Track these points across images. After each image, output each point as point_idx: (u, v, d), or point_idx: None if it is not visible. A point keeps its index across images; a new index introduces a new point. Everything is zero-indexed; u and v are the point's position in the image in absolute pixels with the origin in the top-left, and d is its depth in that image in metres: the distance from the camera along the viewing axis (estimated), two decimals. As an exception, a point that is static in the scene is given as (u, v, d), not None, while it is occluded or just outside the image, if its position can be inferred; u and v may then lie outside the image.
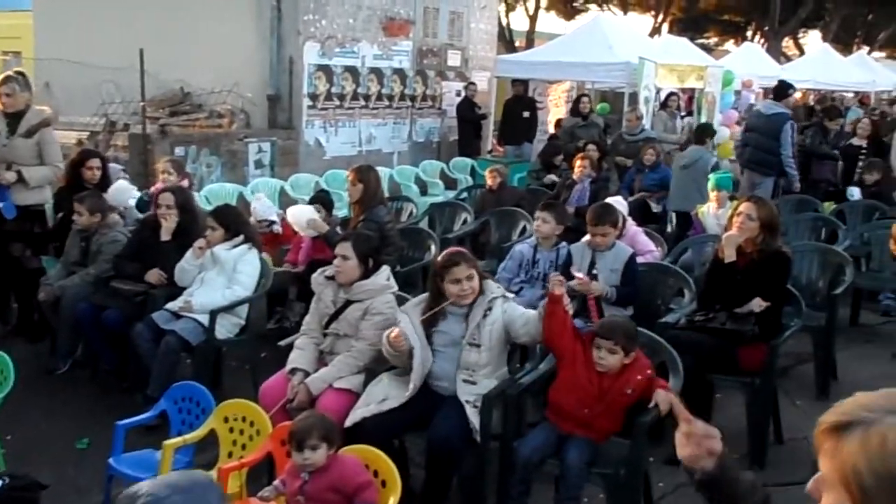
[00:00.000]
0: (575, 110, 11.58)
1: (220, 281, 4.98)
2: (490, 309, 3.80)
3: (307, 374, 4.02)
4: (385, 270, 4.25)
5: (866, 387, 1.29)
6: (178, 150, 8.86)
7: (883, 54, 34.98)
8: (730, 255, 4.60)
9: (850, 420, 1.17)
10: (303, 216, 5.74)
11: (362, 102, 11.17)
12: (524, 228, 6.93)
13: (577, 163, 8.03)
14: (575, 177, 7.98)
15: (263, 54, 10.13)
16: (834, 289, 5.56)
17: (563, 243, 5.38)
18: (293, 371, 4.04)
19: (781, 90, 9.53)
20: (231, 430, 3.60)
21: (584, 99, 11.64)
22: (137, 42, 8.87)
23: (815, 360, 5.48)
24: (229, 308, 4.91)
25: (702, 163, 8.04)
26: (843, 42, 31.72)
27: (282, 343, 4.45)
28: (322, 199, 6.08)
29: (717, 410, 4.68)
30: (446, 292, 3.83)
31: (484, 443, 3.68)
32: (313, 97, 10.45)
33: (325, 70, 10.55)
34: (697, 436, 1.59)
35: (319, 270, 4.35)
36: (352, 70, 10.91)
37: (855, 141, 9.72)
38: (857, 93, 21.39)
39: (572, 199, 7.80)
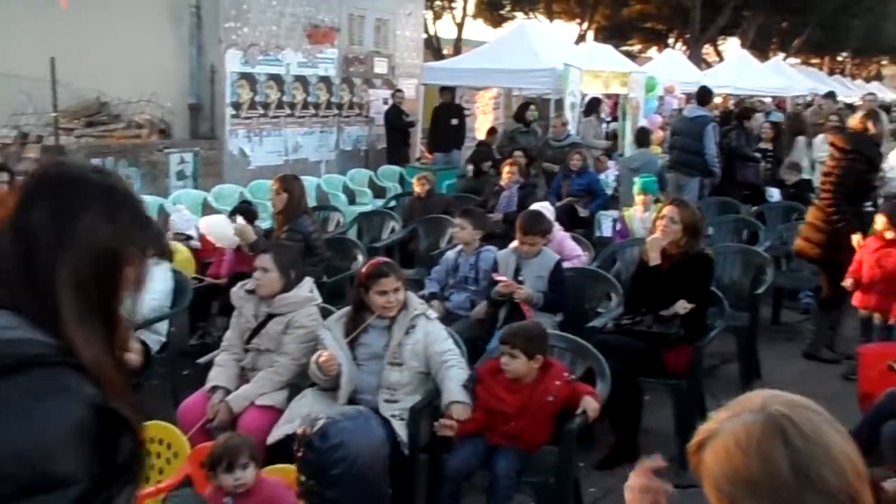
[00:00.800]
0: (519, 116, 11.66)
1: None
2: (413, 327, 3.73)
3: (228, 392, 3.89)
4: (308, 282, 4.15)
5: (790, 385, 1.30)
6: (95, 162, 8.54)
7: (797, 60, 36.24)
8: (654, 259, 4.64)
9: (702, 438, 1.25)
10: (219, 228, 5.57)
11: (287, 111, 10.99)
12: (452, 236, 6.90)
13: (506, 169, 8.05)
14: (503, 183, 8.00)
15: (183, 62, 9.88)
16: (756, 289, 5.67)
17: (487, 246, 5.37)
18: (213, 389, 3.91)
19: (704, 95, 10.04)
20: (147, 453, 3.44)
21: (532, 107, 11.77)
22: (51, 51, 8.53)
23: (740, 360, 5.57)
24: (142, 326, 4.70)
25: (651, 164, 8.62)
26: (760, 49, 32.75)
27: (201, 361, 4.30)
28: (244, 210, 5.93)
29: (645, 413, 4.70)
30: (371, 304, 3.76)
31: (412, 456, 3.61)
32: (236, 106, 10.23)
33: (249, 78, 10.34)
34: (655, 490, 1.55)
35: (239, 284, 4.23)
36: (276, 78, 10.72)
37: (761, 145, 10.03)
38: (774, 97, 22.10)
39: (500, 205, 7.82)
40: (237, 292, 4.17)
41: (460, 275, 5.32)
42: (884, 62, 53.34)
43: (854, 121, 5.82)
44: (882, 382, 3.89)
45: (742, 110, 11.65)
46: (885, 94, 33.64)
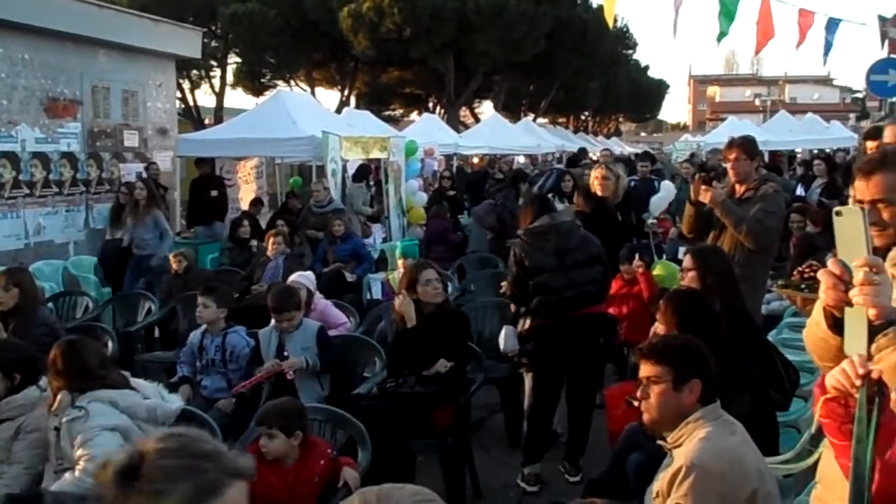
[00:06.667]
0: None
1: None
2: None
3: (-54, 516, 3.42)
4: (41, 381, 3.77)
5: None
6: None
7: (546, 120, 39.22)
8: (411, 320, 4.70)
9: None
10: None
11: (26, 190, 10.13)
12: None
13: (271, 240, 7.88)
14: (269, 254, 7.82)
15: None
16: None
17: (235, 327, 5.21)
18: (-73, 514, 3.42)
19: (575, 158, 12.61)
20: None
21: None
22: None
23: (504, 410, 5.74)
24: None
25: None
26: (512, 110, 35.08)
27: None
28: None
29: (419, 475, 4.71)
30: None
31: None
32: (-36, 188, 9.32)
33: (-22, 157, 9.46)
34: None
35: (-42, 390, 3.76)
36: (10, 156, 9.87)
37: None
38: (527, 155, 23.66)
39: (266, 277, 7.63)
40: (-45, 399, 3.71)
41: (207, 357, 5.09)
42: (621, 119, 59.05)
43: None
44: (626, 420, 4.12)
45: (516, 172, 12.28)
46: (623, 148, 37.18)
